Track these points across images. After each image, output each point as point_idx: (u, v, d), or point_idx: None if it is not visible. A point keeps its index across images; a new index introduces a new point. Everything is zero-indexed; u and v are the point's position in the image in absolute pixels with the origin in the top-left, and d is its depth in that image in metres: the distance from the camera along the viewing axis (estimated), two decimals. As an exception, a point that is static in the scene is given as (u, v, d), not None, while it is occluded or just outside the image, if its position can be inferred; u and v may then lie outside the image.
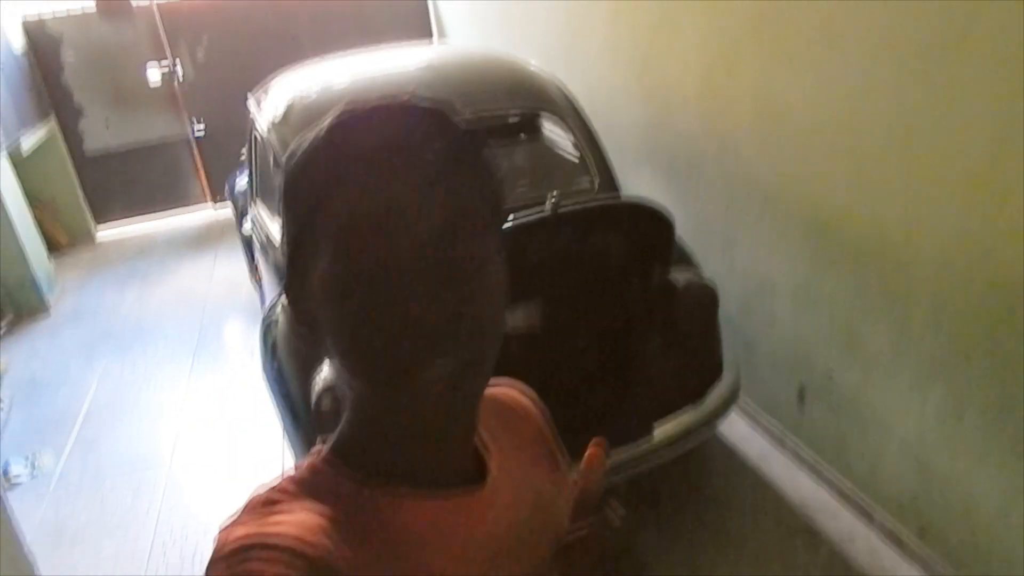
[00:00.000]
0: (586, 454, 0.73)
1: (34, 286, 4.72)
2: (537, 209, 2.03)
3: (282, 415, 2.26)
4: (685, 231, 2.85)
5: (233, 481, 2.96)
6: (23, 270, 4.66)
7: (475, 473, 0.63)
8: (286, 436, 2.30)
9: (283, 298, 2.46)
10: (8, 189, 4.57)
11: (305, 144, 0.56)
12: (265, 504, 0.56)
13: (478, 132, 0.58)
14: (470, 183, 0.55)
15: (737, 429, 2.84)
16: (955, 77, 1.67)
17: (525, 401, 0.78)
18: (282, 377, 2.24)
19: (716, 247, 2.77)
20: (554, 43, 3.83)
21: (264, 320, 2.45)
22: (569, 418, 2.27)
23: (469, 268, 0.53)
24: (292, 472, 0.61)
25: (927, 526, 2.08)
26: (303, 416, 2.11)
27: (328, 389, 2.02)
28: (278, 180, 2.50)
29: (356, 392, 0.59)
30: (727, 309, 2.74)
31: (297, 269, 0.58)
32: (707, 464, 2.83)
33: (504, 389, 0.77)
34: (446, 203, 0.53)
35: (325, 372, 2.06)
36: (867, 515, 2.31)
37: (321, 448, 0.62)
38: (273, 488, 0.58)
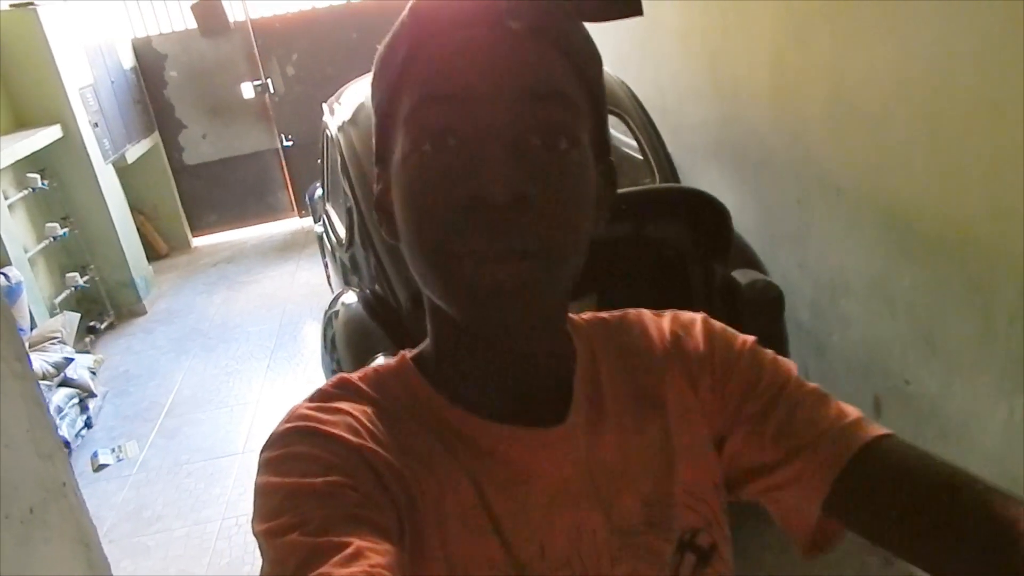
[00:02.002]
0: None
1: (133, 289, 5.03)
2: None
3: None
4: (754, 229, 2.75)
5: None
6: (124, 274, 4.97)
7: (559, 412, 0.58)
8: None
9: (345, 294, 2.52)
10: (113, 198, 4.90)
11: (391, 30, 0.54)
12: (338, 386, 0.57)
13: (579, 6, 0.53)
14: (559, 60, 0.51)
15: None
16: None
17: (663, 329, 0.64)
18: (339, 367, 2.29)
19: (786, 245, 2.65)
20: (627, 43, 3.79)
21: (326, 314, 2.51)
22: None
23: (546, 151, 0.49)
24: (379, 367, 0.60)
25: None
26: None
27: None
28: (344, 181, 2.57)
29: (428, 299, 0.56)
30: (797, 312, 2.61)
31: (380, 163, 0.56)
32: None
33: (646, 314, 0.67)
34: (526, 77, 0.49)
35: (376, 362, 2.09)
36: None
37: (404, 354, 0.61)
38: (352, 376, 0.58)
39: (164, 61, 6.01)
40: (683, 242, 2.13)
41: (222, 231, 6.50)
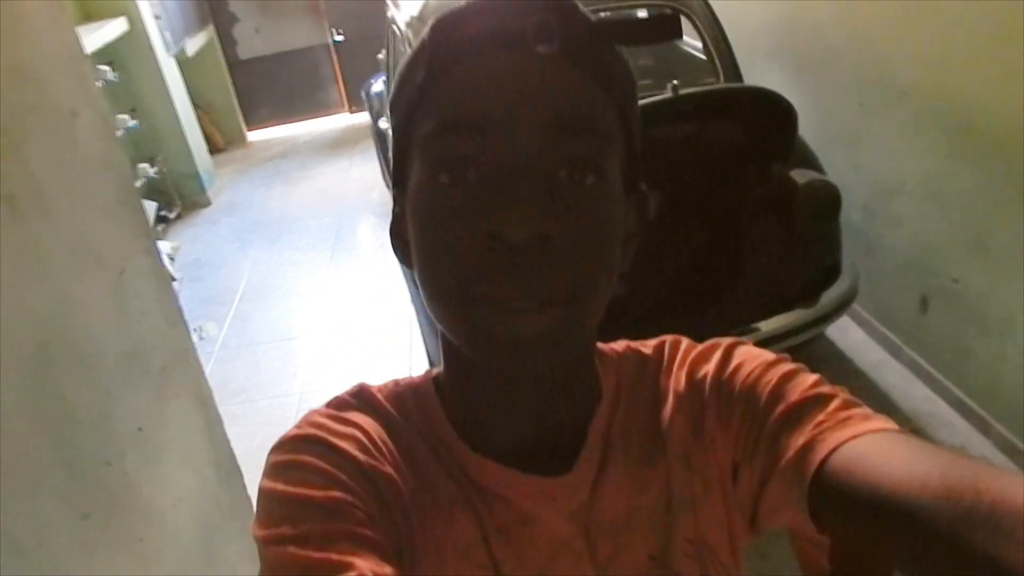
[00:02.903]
0: None
1: (198, 180, 5.24)
2: (657, 93, 2.07)
3: (410, 284, 2.48)
4: (814, 131, 2.78)
5: (361, 352, 3.30)
6: (189, 166, 5.17)
7: (569, 458, 0.55)
8: (413, 302, 2.52)
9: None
10: (176, 91, 5.03)
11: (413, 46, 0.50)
12: (356, 396, 0.56)
13: (612, 28, 0.49)
14: (591, 87, 0.47)
15: (853, 336, 2.82)
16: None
17: (684, 364, 0.59)
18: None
19: (843, 147, 2.69)
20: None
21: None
22: (677, 301, 2.35)
23: (572, 185, 0.46)
24: (402, 379, 0.59)
25: (1044, 436, 2.04)
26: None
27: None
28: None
29: (441, 332, 0.53)
30: (850, 214, 2.68)
31: (397, 187, 0.53)
32: (818, 369, 2.82)
33: (649, 348, 0.62)
34: (553, 106, 0.45)
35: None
36: (984, 426, 2.28)
37: (431, 372, 0.60)
38: (372, 387, 0.58)
39: (217, -47, 5.99)
40: (746, 140, 2.19)
41: (275, 126, 6.62)
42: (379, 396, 0.57)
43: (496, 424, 0.55)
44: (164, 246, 4.17)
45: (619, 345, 0.62)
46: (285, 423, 2.49)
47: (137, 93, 4.81)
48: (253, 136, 6.57)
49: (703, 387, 0.57)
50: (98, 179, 1.42)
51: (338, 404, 0.55)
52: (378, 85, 4.06)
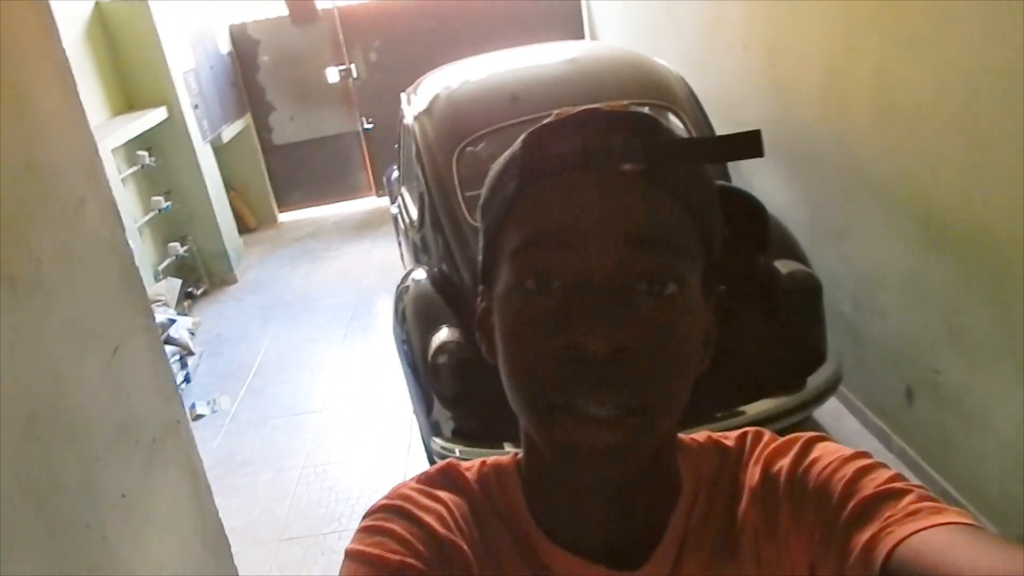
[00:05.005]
0: None
1: (226, 259, 5.47)
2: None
3: (405, 368, 2.57)
4: (803, 222, 2.87)
5: (370, 432, 3.35)
6: (218, 245, 5.42)
7: (643, 552, 0.56)
8: (408, 386, 2.61)
9: (415, 271, 2.78)
10: (210, 174, 5.34)
11: (503, 157, 0.54)
12: (444, 474, 0.60)
13: (693, 147, 0.52)
14: (671, 204, 0.50)
15: (847, 425, 2.81)
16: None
17: (760, 462, 0.58)
18: (407, 336, 2.55)
19: (831, 238, 2.76)
20: (692, 42, 3.91)
21: (397, 288, 2.78)
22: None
23: (651, 296, 0.48)
24: (490, 460, 0.62)
25: (1031, 532, 2.01)
26: (421, 369, 2.40)
27: (441, 348, 2.30)
28: (417, 168, 2.82)
29: (522, 427, 0.55)
30: (840, 303, 2.73)
31: (485, 283, 0.57)
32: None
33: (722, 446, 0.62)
34: (634, 222, 0.48)
35: (440, 333, 2.34)
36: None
37: (516, 454, 0.61)
38: (461, 466, 0.61)
39: (257, 47, 6.43)
40: (725, 235, 2.27)
41: (306, 208, 6.92)
42: (466, 475, 0.60)
43: (573, 519, 0.56)
44: (186, 321, 4.35)
45: (701, 436, 0.63)
46: (284, 498, 2.57)
47: (173, 176, 5.11)
48: (284, 217, 6.86)
49: (778, 482, 0.56)
50: (101, 261, 1.56)
51: (427, 479, 0.59)
52: (394, 173, 4.27)
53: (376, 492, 2.84)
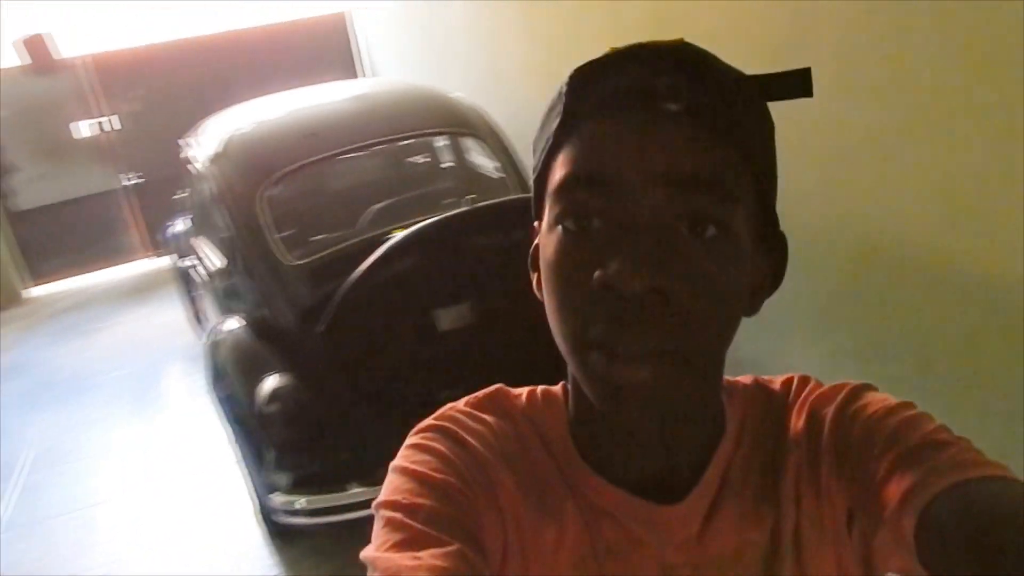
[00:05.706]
0: None
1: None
2: (455, 210, 2.22)
3: (230, 426, 2.36)
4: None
5: (173, 510, 3.01)
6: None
7: (684, 487, 0.56)
8: (234, 444, 2.40)
9: (226, 322, 2.56)
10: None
11: (555, 91, 0.52)
12: (492, 399, 0.61)
13: (744, 86, 0.49)
14: (717, 144, 0.48)
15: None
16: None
17: (804, 409, 0.58)
18: (231, 391, 2.35)
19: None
20: (476, 72, 4.08)
21: (206, 344, 2.55)
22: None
23: (693, 238, 0.47)
24: (540, 387, 0.62)
25: None
26: (250, 423, 2.22)
27: (273, 395, 2.15)
28: (218, 213, 2.63)
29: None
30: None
31: (536, 219, 0.56)
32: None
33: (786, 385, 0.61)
34: (676, 163, 0.46)
35: (269, 381, 2.19)
36: None
37: (565, 382, 0.61)
38: (511, 392, 0.62)
39: (-8, 100, 5.65)
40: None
41: (67, 278, 6.14)
42: (514, 401, 0.61)
43: (616, 453, 0.57)
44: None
45: (747, 379, 0.62)
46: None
47: None
48: (39, 291, 6.03)
49: (822, 429, 0.56)
50: None
51: (476, 403, 0.60)
52: (178, 225, 3.94)
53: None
